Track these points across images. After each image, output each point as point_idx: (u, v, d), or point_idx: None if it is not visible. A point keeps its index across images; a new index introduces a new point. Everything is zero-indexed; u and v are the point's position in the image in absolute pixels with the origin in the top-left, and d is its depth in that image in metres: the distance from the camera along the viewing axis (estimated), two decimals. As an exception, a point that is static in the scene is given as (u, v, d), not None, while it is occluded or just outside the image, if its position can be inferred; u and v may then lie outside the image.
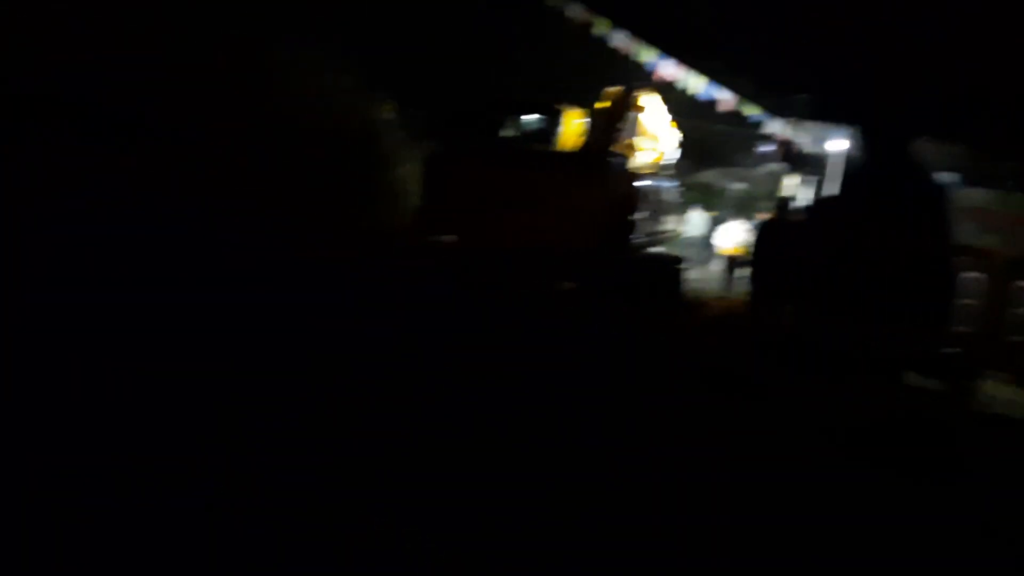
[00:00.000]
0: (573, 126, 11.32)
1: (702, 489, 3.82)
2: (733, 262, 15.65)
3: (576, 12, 19.31)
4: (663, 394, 5.28)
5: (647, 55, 18.44)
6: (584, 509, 3.57)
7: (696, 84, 18.77)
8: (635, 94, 11.58)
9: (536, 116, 11.32)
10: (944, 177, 14.31)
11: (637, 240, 10.75)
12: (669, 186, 12.62)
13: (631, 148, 11.51)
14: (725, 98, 19.20)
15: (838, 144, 21.37)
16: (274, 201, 9.61)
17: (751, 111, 20.39)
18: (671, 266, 11.81)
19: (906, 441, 4.69)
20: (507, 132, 11.33)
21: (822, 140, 24.89)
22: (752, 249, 11.03)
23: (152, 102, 9.07)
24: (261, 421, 4.11)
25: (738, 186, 23.80)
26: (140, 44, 9.42)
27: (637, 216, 10.61)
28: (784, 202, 11.58)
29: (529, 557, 3.22)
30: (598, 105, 11.29)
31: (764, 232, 10.78)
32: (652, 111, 12.01)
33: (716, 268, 17.02)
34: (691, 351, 7.71)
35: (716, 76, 18.88)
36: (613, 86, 11.56)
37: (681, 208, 14.69)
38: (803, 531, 3.64)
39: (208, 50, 10.95)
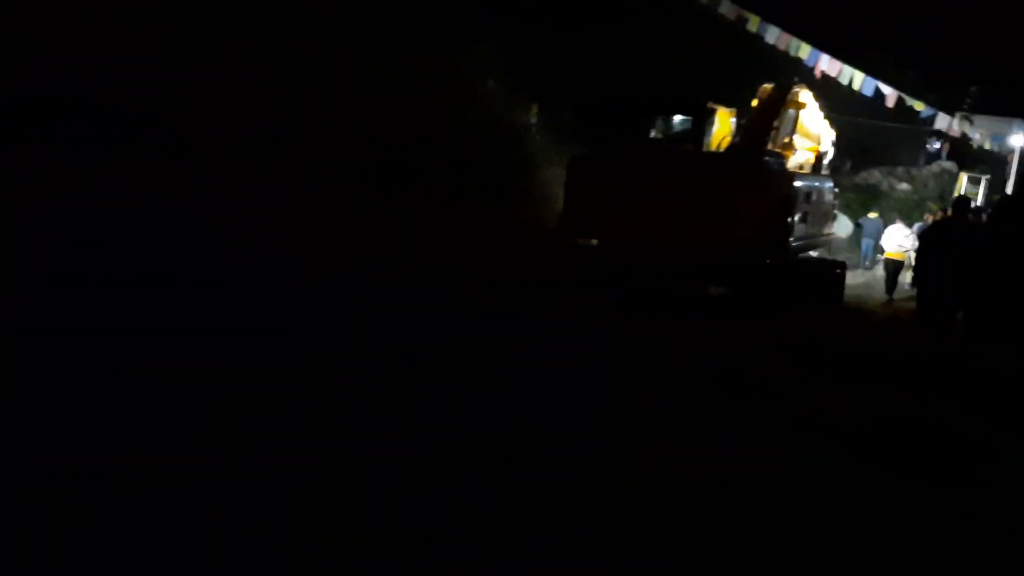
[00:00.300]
0: (725, 126, 11.02)
1: (710, 492, 3.57)
2: (897, 266, 14.77)
3: (728, 9, 18.80)
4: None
5: (804, 50, 17.71)
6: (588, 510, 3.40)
7: (858, 79, 17.86)
8: (793, 90, 11.13)
9: (684, 116, 11.06)
10: None
11: (794, 243, 10.30)
12: (827, 187, 12.05)
13: (788, 147, 11.10)
14: (890, 93, 18.18)
15: (1020, 139, 19.81)
16: (421, 202, 9.77)
17: (918, 106, 19.20)
18: (832, 271, 11.26)
19: (916, 443, 4.43)
20: (656, 133, 11.13)
21: (997, 135, 23.15)
22: (921, 252, 10.35)
23: (304, 109, 9.41)
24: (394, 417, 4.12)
25: (903, 186, 22.43)
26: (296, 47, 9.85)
27: (794, 218, 10.17)
28: (964, 202, 10.72)
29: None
30: (753, 103, 10.95)
31: (936, 234, 10.07)
32: (810, 108, 11.53)
33: (877, 272, 16.13)
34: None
35: (880, 70, 17.90)
36: (768, 83, 11.19)
37: (839, 210, 14.03)
38: (814, 533, 3.40)
39: (360, 52, 11.32)
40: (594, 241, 10.57)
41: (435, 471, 3.67)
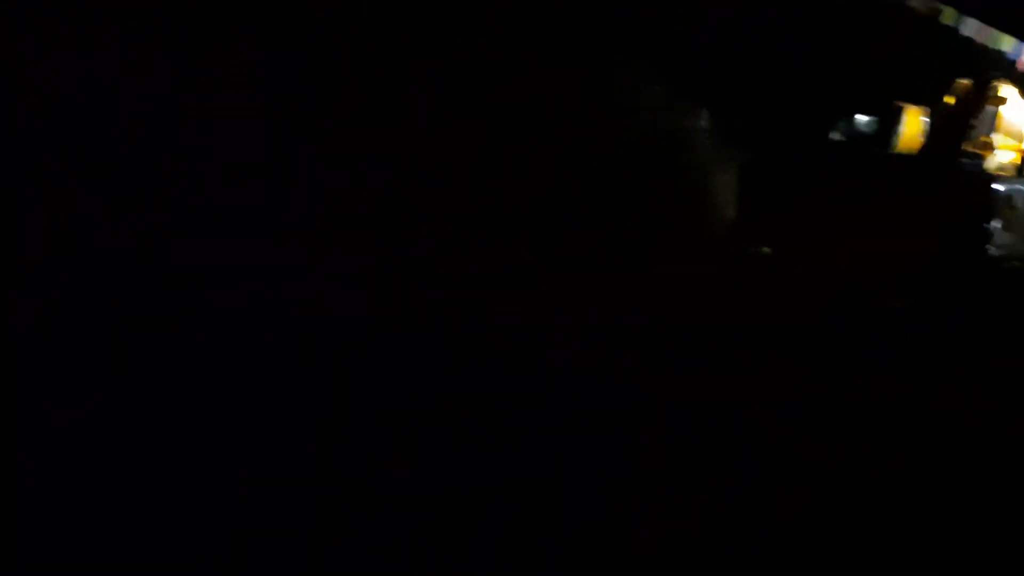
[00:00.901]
0: (913, 125, 10.43)
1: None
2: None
3: (919, 2, 17.65)
4: None
5: (1007, 43, 16.34)
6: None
7: (1070, 72, 16.28)
8: (992, 86, 10.42)
9: (870, 117, 10.55)
10: None
11: (995, 253, 9.53)
12: None
13: (988, 147, 10.39)
14: (1108, 87, 16.46)
15: None
16: (590, 208, 9.83)
17: None
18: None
19: (912, 505, 4.29)
20: (838, 134, 10.67)
21: None
22: None
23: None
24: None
25: None
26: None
27: (993, 225, 9.42)
28: None
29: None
30: (947, 100, 10.35)
31: None
32: (1012, 105, 10.76)
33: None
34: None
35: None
36: (963, 79, 10.56)
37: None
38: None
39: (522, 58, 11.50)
40: (767, 250, 10.27)
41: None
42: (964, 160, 9.83)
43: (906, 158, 10.17)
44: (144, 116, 8.11)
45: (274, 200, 7.67)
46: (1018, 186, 10.46)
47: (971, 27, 17.49)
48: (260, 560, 3.20)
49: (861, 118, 10.68)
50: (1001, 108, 10.67)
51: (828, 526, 3.94)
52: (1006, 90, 10.77)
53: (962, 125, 9.98)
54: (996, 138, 10.64)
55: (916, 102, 10.78)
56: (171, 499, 3.56)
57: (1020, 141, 11.18)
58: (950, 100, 10.44)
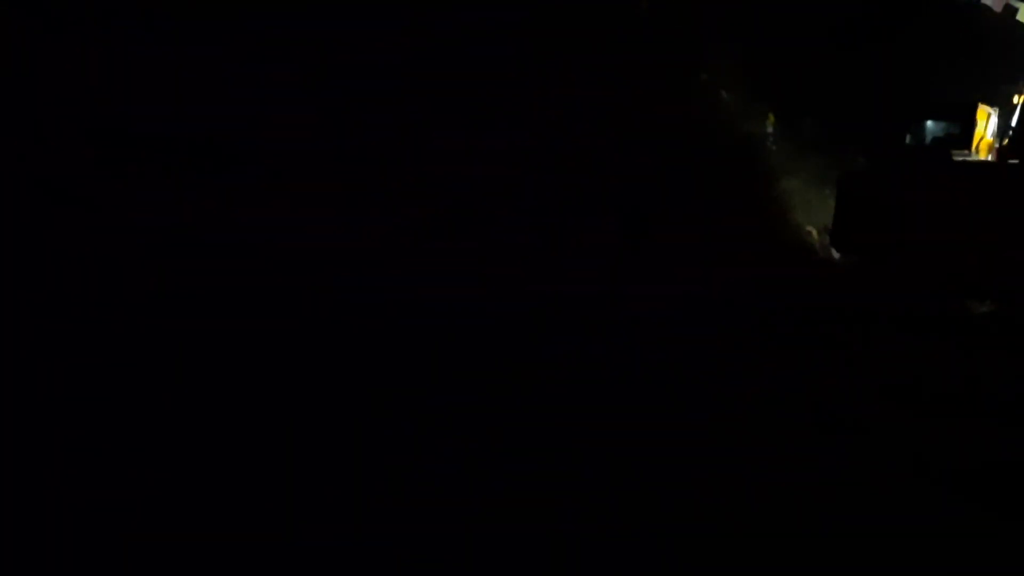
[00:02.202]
0: (980, 126, 10.45)
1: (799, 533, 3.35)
2: None
3: (993, 1, 17.45)
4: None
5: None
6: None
7: None
8: None
9: (939, 120, 10.58)
10: None
11: None
12: None
13: None
14: None
15: None
16: (656, 213, 10.07)
17: None
18: None
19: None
20: (910, 139, 10.72)
21: None
22: None
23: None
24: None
25: None
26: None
27: None
28: None
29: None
30: (1016, 99, 10.30)
31: None
32: None
33: None
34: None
35: None
36: None
37: None
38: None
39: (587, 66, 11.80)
40: (852, 257, 10.40)
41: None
42: None
43: (998, 164, 10.13)
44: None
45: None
46: None
47: (1047, 23, 17.20)
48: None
49: (929, 123, 10.68)
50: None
51: (937, 506, 3.86)
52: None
53: None
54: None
55: (989, 102, 10.75)
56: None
57: None
58: (1020, 100, 10.33)
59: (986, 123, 10.51)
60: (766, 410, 4.84)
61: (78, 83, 7.74)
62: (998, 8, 17.61)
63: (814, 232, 14.99)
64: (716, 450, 4.30)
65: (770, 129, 17.77)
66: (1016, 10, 17.46)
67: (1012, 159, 9.92)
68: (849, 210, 10.54)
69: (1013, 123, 10.22)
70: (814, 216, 16.09)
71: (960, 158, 10.27)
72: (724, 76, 15.19)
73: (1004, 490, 4.08)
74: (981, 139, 10.47)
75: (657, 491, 3.80)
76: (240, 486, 3.60)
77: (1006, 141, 10.23)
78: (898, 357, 5.91)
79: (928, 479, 4.09)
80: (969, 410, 4.96)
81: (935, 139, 10.60)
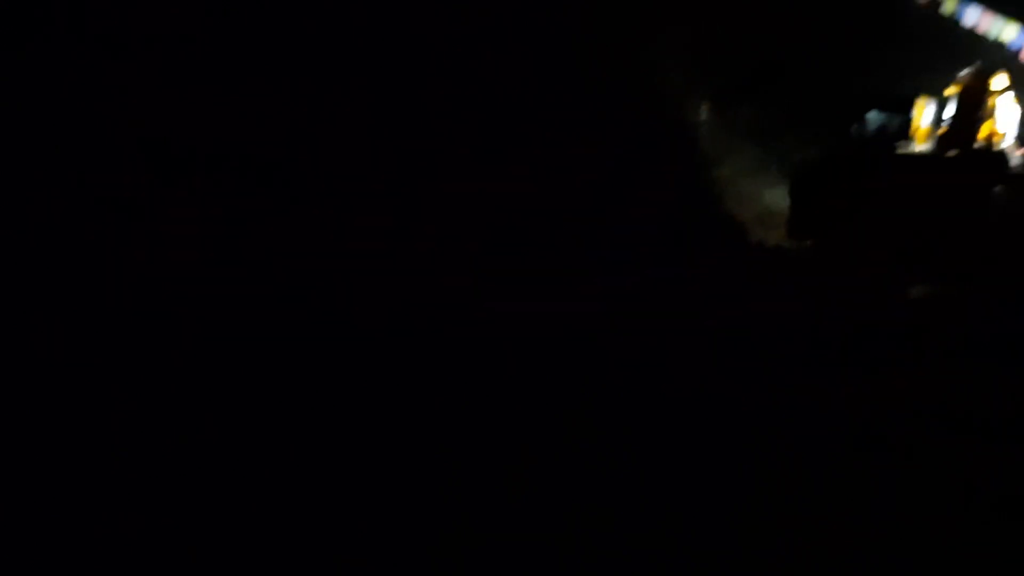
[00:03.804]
0: (925, 117, 10.90)
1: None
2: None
3: (920, -7, 17.97)
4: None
5: (1010, 32, 16.72)
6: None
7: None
8: (993, 76, 10.86)
9: (888, 112, 11.03)
10: None
11: None
12: None
13: (993, 137, 10.77)
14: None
15: None
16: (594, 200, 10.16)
17: None
18: None
19: None
20: (861, 129, 11.16)
21: None
22: None
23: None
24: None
25: None
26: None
27: None
28: None
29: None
30: (949, 91, 10.76)
31: None
32: (1006, 94, 11.23)
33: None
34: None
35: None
36: (965, 70, 10.96)
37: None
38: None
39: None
40: (801, 243, 10.80)
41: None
42: (1006, 155, 10.37)
43: (956, 156, 10.60)
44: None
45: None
46: None
47: (972, 16, 17.86)
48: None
49: (871, 114, 11.10)
50: (999, 99, 11.02)
51: (980, 529, 3.79)
52: (1001, 79, 11.11)
53: (971, 116, 10.42)
54: (997, 128, 11.02)
55: (925, 94, 11.19)
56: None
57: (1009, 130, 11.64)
58: (955, 91, 10.78)
59: (922, 113, 10.93)
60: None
61: (130, 102, 7.61)
62: (923, 0, 18.18)
63: (751, 221, 15.32)
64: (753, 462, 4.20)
65: (704, 116, 18.06)
66: (940, 3, 18.06)
67: (950, 148, 10.39)
68: (803, 198, 11.04)
69: (948, 114, 10.65)
70: (747, 206, 16.44)
71: (903, 149, 10.67)
72: (661, 62, 15.33)
73: None
74: (917, 129, 10.90)
75: (684, 513, 3.69)
76: (271, 496, 3.57)
77: (941, 131, 10.65)
78: (943, 376, 5.81)
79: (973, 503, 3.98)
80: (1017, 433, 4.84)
81: (878, 129, 10.90)
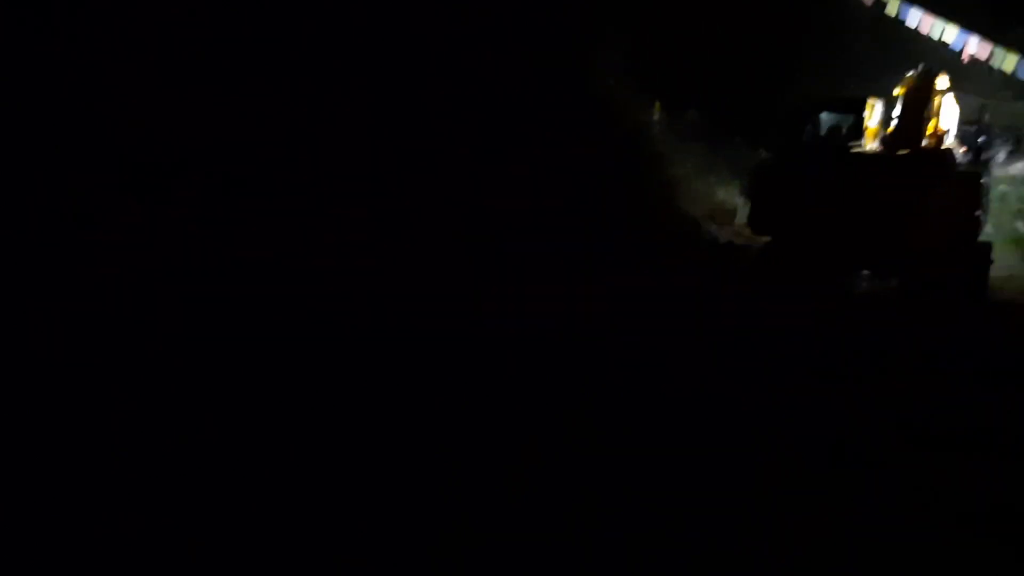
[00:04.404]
0: (873, 116, 11.20)
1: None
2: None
3: (863, -7, 18.35)
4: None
5: (950, 33, 17.16)
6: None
7: (1011, 62, 17.17)
8: (936, 77, 11.19)
9: (838, 113, 11.43)
10: None
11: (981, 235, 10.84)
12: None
13: (936, 136, 11.06)
14: (1048, 75, 17.39)
15: None
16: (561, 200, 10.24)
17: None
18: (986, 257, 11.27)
19: None
20: (813, 130, 11.45)
21: None
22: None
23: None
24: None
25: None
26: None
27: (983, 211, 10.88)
28: None
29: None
30: (896, 93, 11.07)
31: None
32: (949, 95, 11.59)
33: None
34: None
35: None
36: (909, 71, 11.30)
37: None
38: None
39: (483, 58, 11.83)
40: (759, 238, 11.32)
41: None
42: (950, 153, 10.85)
43: (907, 155, 10.87)
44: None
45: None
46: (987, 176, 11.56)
47: (915, 17, 18.31)
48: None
49: (830, 114, 11.44)
50: (943, 99, 11.37)
51: (957, 545, 3.65)
52: (943, 81, 11.46)
53: (919, 117, 10.82)
54: (942, 127, 11.34)
55: (873, 94, 11.52)
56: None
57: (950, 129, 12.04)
58: (901, 92, 11.06)
59: (871, 113, 11.20)
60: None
61: (100, 111, 7.41)
62: (868, 1, 18.57)
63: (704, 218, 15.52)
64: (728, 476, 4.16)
65: (656, 118, 18.25)
66: (885, 4, 18.47)
67: (899, 147, 10.70)
68: (762, 195, 11.34)
69: (896, 114, 10.94)
70: (699, 203, 16.64)
71: (855, 148, 10.97)
72: (613, 66, 15.44)
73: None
74: (866, 128, 11.16)
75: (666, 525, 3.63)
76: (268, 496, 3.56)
77: (890, 130, 10.96)
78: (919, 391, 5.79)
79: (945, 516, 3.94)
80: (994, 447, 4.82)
81: (830, 130, 11.26)
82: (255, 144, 7.91)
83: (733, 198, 18.11)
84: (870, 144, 11.11)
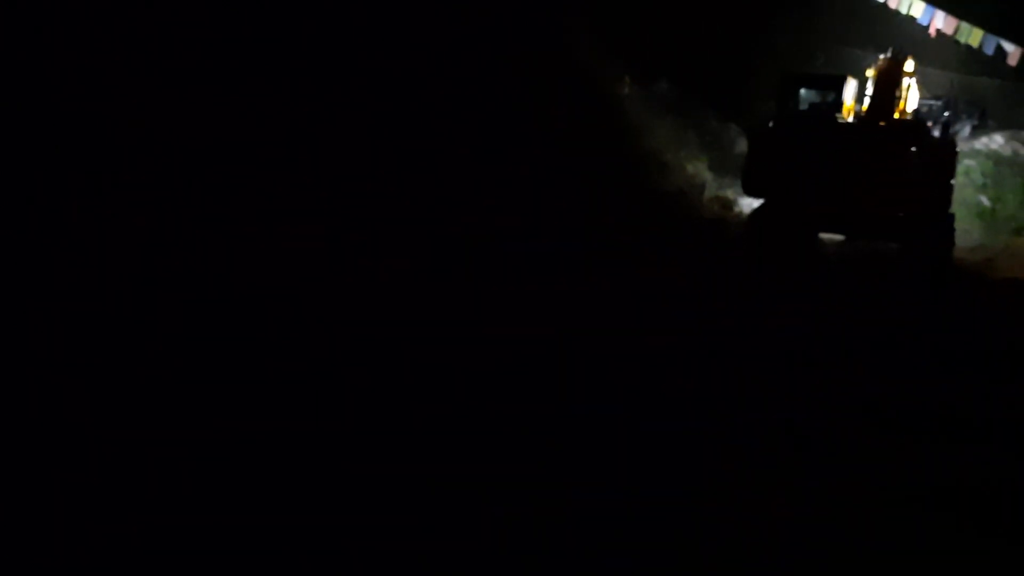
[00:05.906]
0: (847, 95, 11.64)
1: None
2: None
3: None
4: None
5: (917, 8, 17.44)
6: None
7: (977, 37, 17.51)
8: (905, 60, 11.63)
9: (818, 89, 11.93)
10: None
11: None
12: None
13: (904, 114, 11.55)
14: (1013, 51, 17.77)
15: None
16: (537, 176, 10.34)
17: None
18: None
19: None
20: (795, 104, 11.93)
21: None
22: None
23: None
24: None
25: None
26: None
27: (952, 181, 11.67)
28: None
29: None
30: (871, 72, 11.53)
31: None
32: (915, 75, 12.11)
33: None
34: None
35: (1002, 25, 17.48)
36: (881, 49, 11.74)
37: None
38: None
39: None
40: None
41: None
42: (926, 126, 11.52)
43: (891, 126, 11.50)
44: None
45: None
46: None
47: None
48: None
49: (811, 90, 11.85)
50: (911, 79, 11.86)
51: (912, 527, 3.72)
52: (910, 64, 11.91)
53: (891, 95, 11.32)
54: (909, 104, 11.86)
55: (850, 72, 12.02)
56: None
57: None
58: (874, 72, 11.52)
59: (846, 90, 11.62)
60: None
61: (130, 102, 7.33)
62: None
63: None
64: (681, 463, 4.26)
65: (626, 91, 18.33)
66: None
67: (871, 123, 11.17)
68: (757, 161, 11.87)
69: (869, 92, 11.38)
70: (670, 178, 16.80)
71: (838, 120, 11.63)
72: (583, 39, 15.48)
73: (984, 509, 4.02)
74: (843, 105, 11.60)
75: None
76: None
77: (864, 107, 11.38)
78: (870, 374, 5.92)
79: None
80: (946, 429, 4.96)
81: (811, 104, 11.77)
82: (255, 144, 7.88)
83: (702, 172, 18.33)
84: (847, 119, 11.55)
